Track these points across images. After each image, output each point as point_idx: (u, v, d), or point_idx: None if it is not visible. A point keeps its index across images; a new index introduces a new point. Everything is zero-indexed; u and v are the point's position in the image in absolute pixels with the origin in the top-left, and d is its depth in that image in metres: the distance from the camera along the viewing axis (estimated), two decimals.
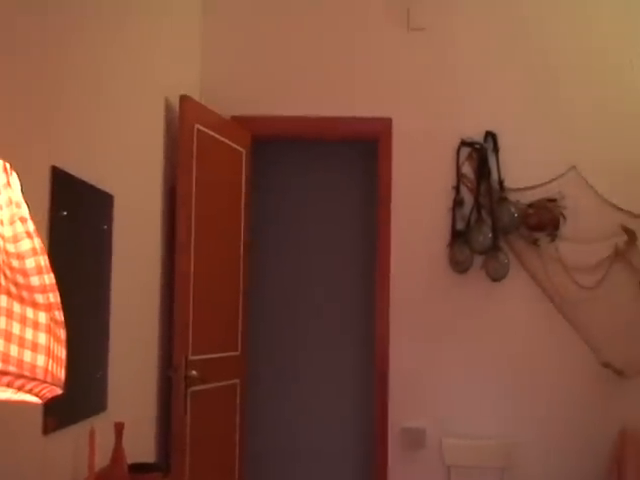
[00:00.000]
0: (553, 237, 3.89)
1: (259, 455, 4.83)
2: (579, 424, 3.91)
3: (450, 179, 3.97)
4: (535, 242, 3.90)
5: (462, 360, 3.95)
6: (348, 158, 4.95)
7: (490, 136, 3.94)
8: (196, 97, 3.75)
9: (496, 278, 3.89)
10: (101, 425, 2.49)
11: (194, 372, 3.44)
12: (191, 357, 3.45)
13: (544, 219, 3.87)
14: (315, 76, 4.10)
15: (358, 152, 4.81)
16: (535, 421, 3.93)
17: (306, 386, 4.99)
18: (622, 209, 3.93)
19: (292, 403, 5.01)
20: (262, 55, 4.13)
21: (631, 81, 4.01)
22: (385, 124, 4.01)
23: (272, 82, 4.11)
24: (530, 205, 3.89)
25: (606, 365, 3.88)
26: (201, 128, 3.57)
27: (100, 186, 2.63)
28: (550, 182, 3.92)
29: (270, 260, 5.03)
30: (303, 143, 4.74)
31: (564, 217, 3.89)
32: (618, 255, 3.92)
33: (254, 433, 4.74)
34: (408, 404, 3.97)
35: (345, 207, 5.00)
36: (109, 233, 2.75)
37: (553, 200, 3.89)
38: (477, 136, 3.96)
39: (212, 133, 3.67)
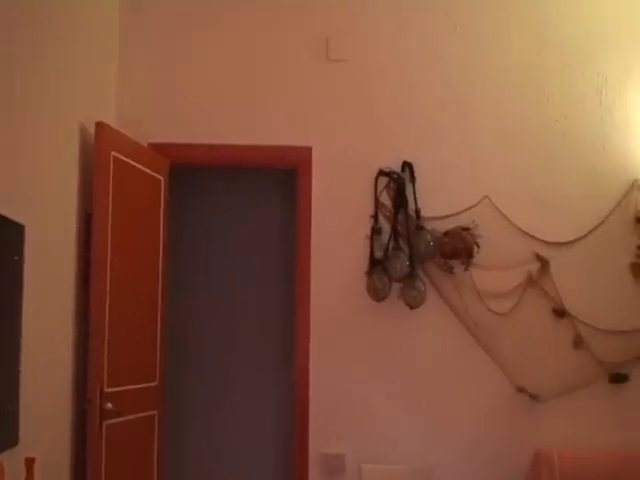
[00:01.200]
0: (467, 265, 3.98)
1: None
2: (495, 447, 3.98)
3: (368, 208, 4.03)
4: (450, 270, 3.98)
5: (381, 386, 3.99)
6: (269, 186, 4.97)
7: (407, 166, 4.02)
8: (112, 124, 3.70)
9: (413, 305, 3.95)
10: (11, 461, 2.41)
11: (109, 405, 3.36)
12: (107, 389, 3.38)
13: (458, 247, 3.96)
14: (234, 104, 4.11)
15: (279, 180, 4.84)
16: (452, 445, 3.98)
17: (227, 415, 4.95)
18: (534, 237, 4.06)
19: (214, 432, 4.96)
20: (181, 82, 4.12)
21: (540, 114, 4.16)
22: (305, 153, 4.05)
23: (191, 109, 4.10)
24: (445, 233, 3.98)
25: (520, 390, 3.98)
26: (117, 155, 3.53)
27: (10, 216, 2.56)
28: (464, 211, 4.02)
29: (190, 289, 4.99)
30: (224, 171, 4.72)
31: (478, 245, 3.99)
32: (531, 282, 4.04)
33: (175, 465, 4.66)
34: (328, 430, 3.97)
35: (266, 235, 5.02)
36: (20, 264, 2.68)
37: (467, 229, 3.98)
38: (395, 166, 4.04)
39: (129, 160, 3.63)
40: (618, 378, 4.04)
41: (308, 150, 4.06)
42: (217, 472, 4.92)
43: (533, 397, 3.97)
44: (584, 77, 4.20)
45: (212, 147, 4.04)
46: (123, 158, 3.58)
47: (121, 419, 3.45)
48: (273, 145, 4.06)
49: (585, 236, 4.09)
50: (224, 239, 5.03)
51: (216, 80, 4.12)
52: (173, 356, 4.38)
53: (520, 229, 4.06)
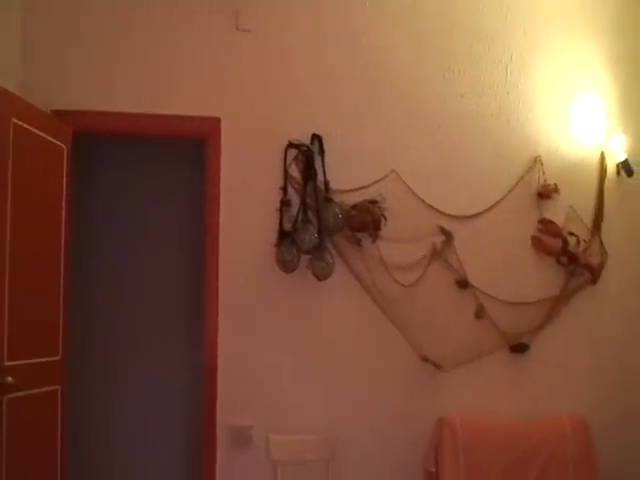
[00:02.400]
0: (375, 237, 4.04)
1: (86, 461, 4.68)
2: (401, 415, 4.08)
3: (278, 180, 4.02)
4: (358, 242, 4.03)
5: (289, 357, 4.01)
6: (178, 156, 4.89)
7: (316, 139, 4.03)
8: (16, 90, 3.56)
9: (322, 277, 3.98)
10: None
11: (10, 379, 3.27)
12: (7, 363, 3.28)
13: (366, 220, 4.01)
14: (142, 72, 4.01)
15: (188, 151, 4.76)
16: (359, 414, 4.06)
17: (134, 388, 4.90)
18: (439, 210, 4.15)
19: (120, 406, 4.90)
20: (86, 48, 3.99)
21: (448, 90, 4.24)
22: (214, 124, 4.00)
23: (97, 76, 3.99)
24: (353, 206, 4.02)
25: (425, 359, 4.07)
26: (18, 122, 3.41)
27: None
28: (372, 184, 4.07)
29: (96, 260, 4.89)
30: (132, 141, 4.62)
31: (385, 218, 4.05)
32: (435, 254, 4.13)
33: (80, 439, 4.59)
34: (237, 402, 3.98)
35: (174, 207, 4.95)
36: None
37: (375, 202, 4.03)
38: (304, 138, 4.04)
39: (30, 127, 3.51)
40: (519, 348, 4.19)
41: (217, 121, 4.01)
42: (124, 445, 4.88)
43: (437, 366, 4.08)
44: (490, 53, 4.30)
45: (117, 115, 3.94)
46: (24, 125, 3.45)
47: (22, 394, 3.35)
48: (181, 115, 3.99)
49: (488, 210, 4.21)
50: (131, 211, 4.94)
51: (123, 47, 4.01)
52: (77, 331, 4.30)
53: (426, 203, 4.14)
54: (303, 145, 4.02)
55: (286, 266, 3.96)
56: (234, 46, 4.07)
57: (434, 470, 3.93)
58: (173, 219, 4.96)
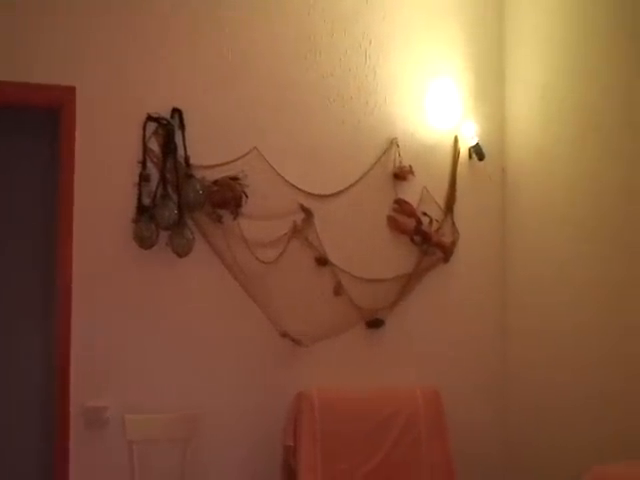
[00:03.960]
0: (236, 214, 4.03)
1: None
2: (260, 391, 4.10)
3: (137, 154, 3.93)
4: (219, 219, 4.01)
5: (147, 335, 3.94)
6: (32, 128, 4.67)
7: (177, 112, 3.97)
8: None
9: (182, 254, 3.94)
10: None
11: None
12: None
13: (227, 197, 3.99)
14: None
15: (42, 120, 4.55)
16: (219, 392, 4.05)
17: None
18: (300, 189, 4.20)
19: None
20: None
21: (309, 71, 4.29)
22: (67, 93, 3.84)
23: None
24: (214, 182, 3.99)
25: (284, 335, 4.12)
26: None
27: None
28: (234, 161, 4.06)
29: None
30: None
31: (246, 195, 4.05)
32: (296, 232, 4.17)
33: None
34: (92, 383, 3.86)
35: (27, 180, 4.74)
36: None
37: (236, 179, 4.03)
38: (164, 112, 3.97)
39: None
40: (374, 323, 4.32)
41: (71, 90, 3.85)
42: None
43: (296, 342, 4.13)
44: (350, 37, 4.38)
45: None
46: None
47: None
48: (31, 83, 3.80)
49: (347, 189, 4.30)
50: None
51: None
52: None
53: (287, 180, 4.17)
54: (163, 119, 3.94)
55: (144, 242, 3.88)
56: (92, 12, 3.92)
57: (292, 444, 3.99)
58: (24, 193, 4.75)
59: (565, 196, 4.20)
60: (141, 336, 3.94)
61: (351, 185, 4.31)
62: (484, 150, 4.53)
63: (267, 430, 4.09)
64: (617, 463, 3.39)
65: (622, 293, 3.80)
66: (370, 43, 4.42)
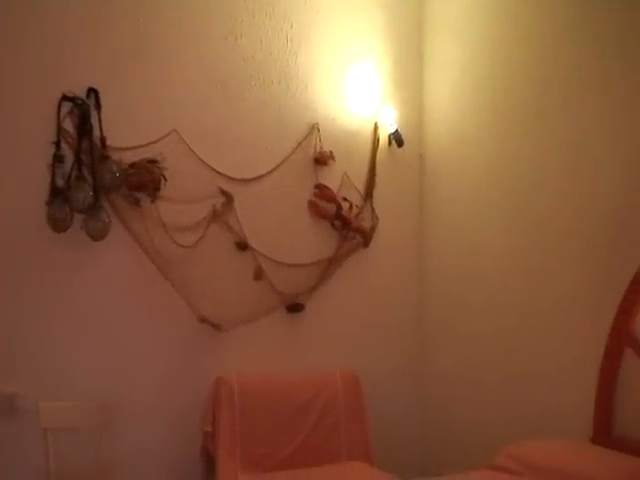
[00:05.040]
0: (154, 198, 3.96)
1: None
2: (179, 377, 4.06)
3: (50, 134, 3.80)
4: (136, 202, 3.93)
5: (61, 320, 3.83)
6: None
7: (92, 92, 3.85)
8: None
9: (97, 237, 3.84)
10: None
11: None
12: None
13: (145, 179, 3.91)
14: None
15: None
16: (136, 378, 3.98)
17: None
18: (220, 172, 4.16)
19: None
20: None
21: (230, 53, 4.23)
22: None
23: None
24: (132, 165, 3.90)
25: (203, 320, 4.08)
26: None
27: None
28: (152, 143, 3.97)
29: None
30: None
31: (165, 178, 3.98)
32: (216, 216, 4.14)
33: None
34: (4, 369, 3.73)
35: None
36: None
37: (154, 161, 3.95)
38: (80, 91, 3.85)
39: None
40: (295, 307, 4.33)
41: None
42: None
43: (215, 327, 4.10)
44: (272, 21, 4.35)
45: None
46: None
47: None
48: None
49: (268, 173, 4.29)
50: None
51: None
52: None
53: (207, 164, 4.12)
54: (78, 98, 3.82)
55: (58, 225, 3.77)
56: None
57: (210, 430, 3.96)
58: None
59: (481, 182, 4.31)
60: (55, 321, 3.83)
61: (272, 169, 4.29)
62: (403, 137, 4.59)
63: (186, 416, 4.05)
64: (528, 441, 3.51)
65: (536, 278, 3.92)
66: (291, 27, 4.40)
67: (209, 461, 3.99)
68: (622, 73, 3.48)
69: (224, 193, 4.15)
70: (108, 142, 3.87)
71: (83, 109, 3.83)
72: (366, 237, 4.51)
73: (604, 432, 3.43)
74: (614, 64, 3.52)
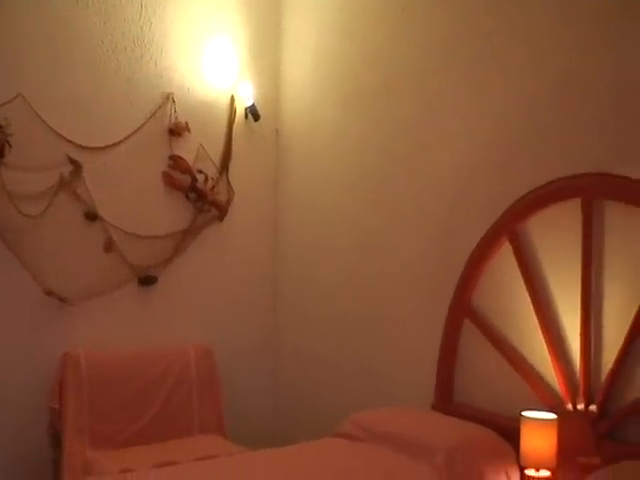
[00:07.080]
0: None
1: None
2: (24, 353, 3.90)
3: None
4: None
5: None
6: None
7: None
8: None
9: None
10: None
11: None
12: None
13: None
14: None
15: None
16: None
17: None
18: (69, 140, 3.99)
19: None
20: None
21: (80, 19, 4.06)
22: None
23: None
24: None
25: (49, 293, 3.93)
26: None
27: None
28: None
29: None
30: None
31: (10, 144, 3.78)
32: (63, 185, 3.98)
33: None
34: None
35: None
36: None
37: None
38: None
39: None
40: (147, 280, 4.26)
41: None
42: None
43: (62, 300, 3.96)
44: None
45: None
46: None
47: None
48: None
49: (120, 143, 4.17)
50: None
51: None
52: None
53: (54, 131, 3.95)
54: None
55: None
56: None
57: (57, 406, 3.84)
58: None
59: (331, 157, 4.40)
60: None
61: (124, 138, 4.17)
62: (260, 111, 4.59)
63: (33, 392, 3.89)
64: (373, 409, 3.64)
65: (385, 255, 4.05)
66: None
67: (57, 438, 3.87)
68: (464, 55, 3.62)
69: (72, 161, 3.99)
70: None
71: None
72: (221, 210, 4.49)
73: (445, 399, 3.61)
74: (460, 42, 3.64)
